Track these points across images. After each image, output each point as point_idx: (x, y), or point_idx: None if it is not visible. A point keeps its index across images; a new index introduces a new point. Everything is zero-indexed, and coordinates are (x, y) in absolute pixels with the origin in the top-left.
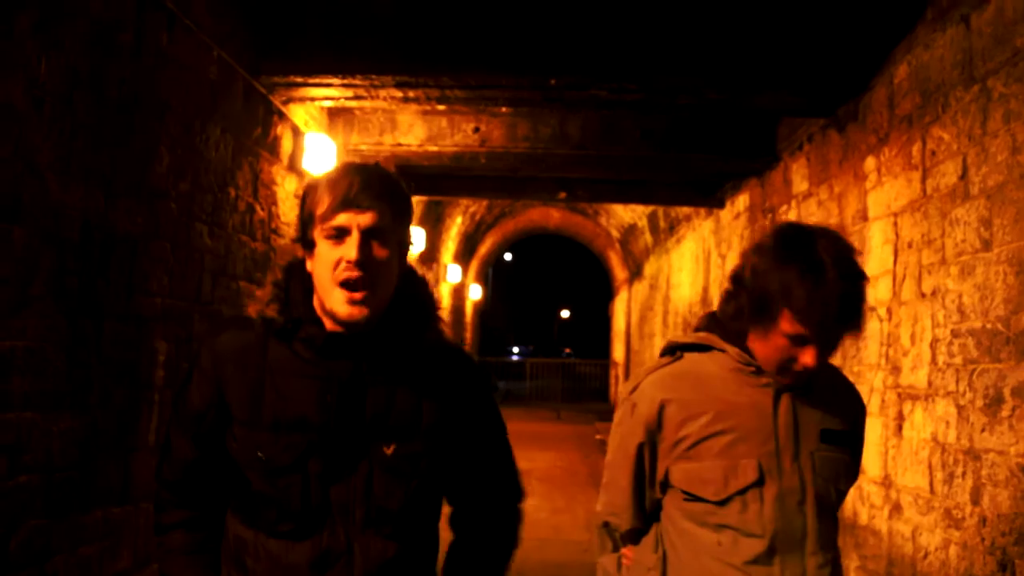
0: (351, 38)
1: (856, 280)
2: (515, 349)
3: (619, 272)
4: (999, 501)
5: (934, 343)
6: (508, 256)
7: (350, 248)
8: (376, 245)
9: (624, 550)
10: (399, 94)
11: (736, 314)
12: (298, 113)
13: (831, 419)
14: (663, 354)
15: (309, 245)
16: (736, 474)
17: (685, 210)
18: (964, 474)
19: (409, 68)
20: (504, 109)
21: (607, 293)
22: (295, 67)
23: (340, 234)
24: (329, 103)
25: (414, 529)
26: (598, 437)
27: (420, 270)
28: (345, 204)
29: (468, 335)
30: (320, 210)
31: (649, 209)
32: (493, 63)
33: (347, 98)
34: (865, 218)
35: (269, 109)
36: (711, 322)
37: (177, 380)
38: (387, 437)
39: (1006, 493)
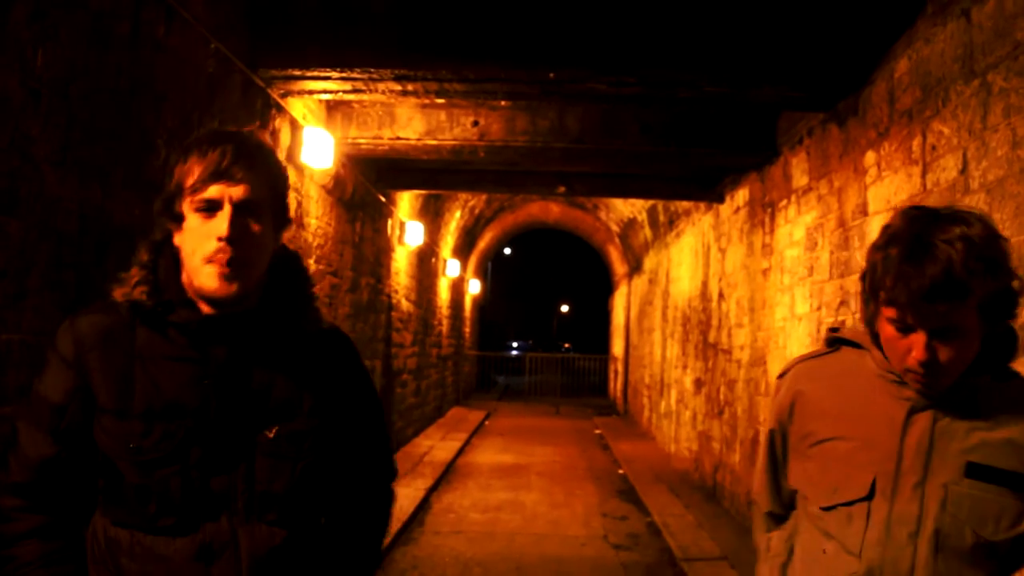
0: (349, 31)
1: (957, 245)
2: (514, 344)
3: (618, 267)
4: None
5: None
6: (507, 250)
7: (221, 223)
8: (250, 220)
9: (774, 533)
10: (397, 87)
11: (864, 304)
12: (296, 106)
13: (989, 452)
14: (825, 343)
15: (177, 218)
16: (848, 484)
17: (684, 204)
18: None
19: (407, 61)
20: (503, 103)
21: (606, 288)
22: (293, 60)
23: (211, 207)
24: (327, 96)
25: (301, 513)
26: (597, 432)
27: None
28: (216, 175)
29: (467, 330)
30: (189, 180)
31: (648, 203)
32: (492, 56)
33: (345, 91)
34: (865, 213)
35: (267, 102)
36: (868, 321)
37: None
38: (268, 421)
39: None
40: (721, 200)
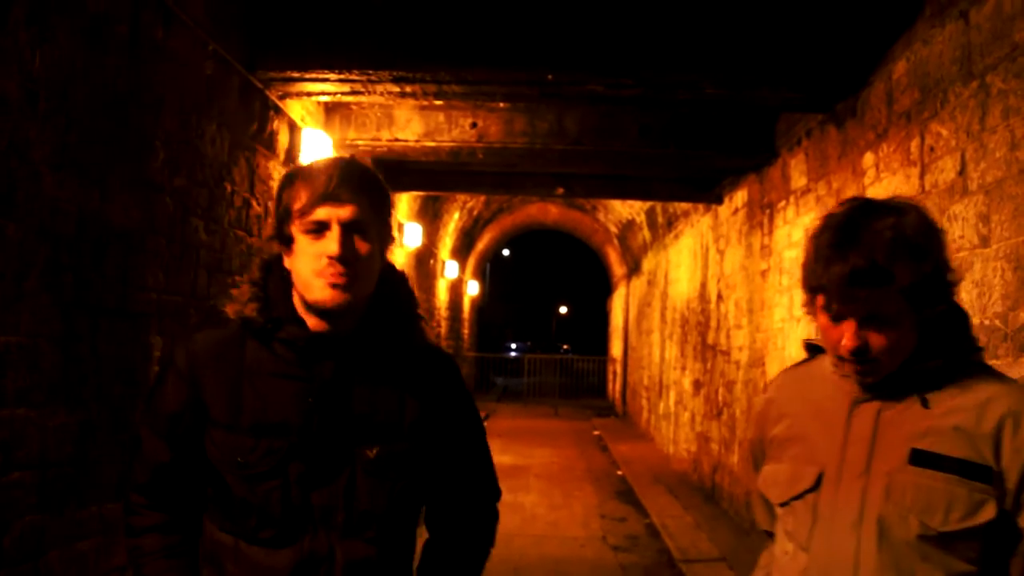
0: (348, 33)
1: (885, 233)
2: (513, 345)
3: (617, 268)
4: None
5: None
6: (506, 252)
7: (331, 243)
8: (357, 239)
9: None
10: (396, 89)
11: (806, 298)
12: (295, 108)
13: (935, 440)
14: (806, 350)
15: (287, 240)
16: (798, 478)
17: (683, 206)
18: None
19: (406, 63)
20: (501, 104)
21: (605, 289)
22: (291, 62)
23: (320, 228)
24: (326, 98)
25: (396, 532)
26: (595, 433)
27: (406, 269)
28: (324, 198)
29: (465, 331)
30: (298, 204)
31: (647, 205)
32: (490, 58)
33: (344, 93)
34: None
35: (265, 104)
36: None
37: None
38: (370, 439)
39: None
40: (720, 201)
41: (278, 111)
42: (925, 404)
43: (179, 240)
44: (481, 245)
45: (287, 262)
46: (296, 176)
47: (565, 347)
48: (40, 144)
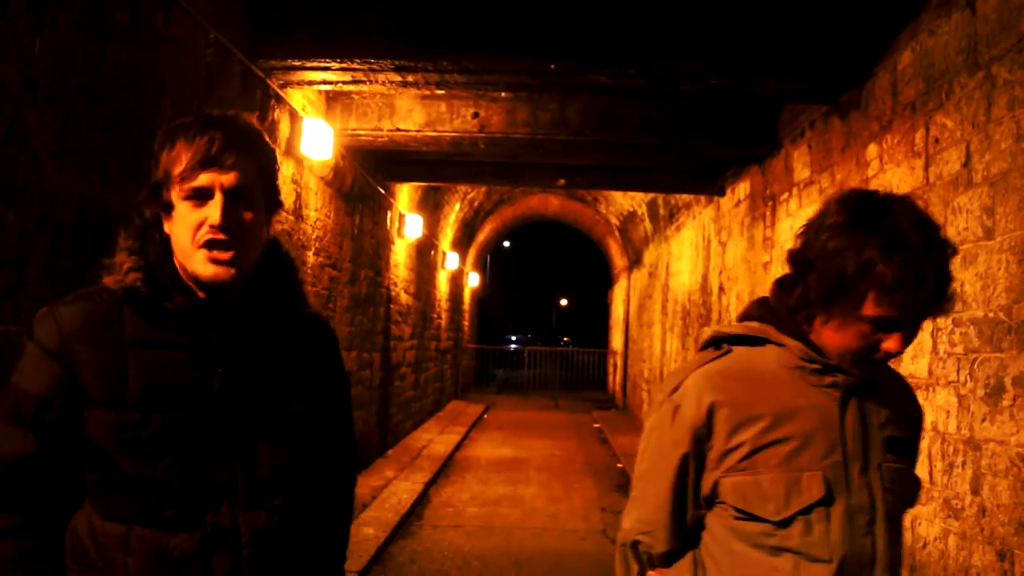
0: (349, 22)
1: (942, 249)
2: (513, 337)
3: (618, 260)
4: (999, 491)
5: (935, 332)
6: (506, 243)
7: (213, 210)
8: (242, 207)
9: (651, 573)
10: (397, 78)
11: (801, 301)
12: (296, 97)
13: (894, 426)
14: (705, 347)
15: (166, 207)
16: (799, 490)
17: (685, 198)
18: (964, 464)
19: (408, 52)
20: (503, 94)
21: (606, 281)
22: (293, 51)
23: (202, 195)
24: (327, 87)
25: (298, 497)
26: (596, 426)
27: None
28: (206, 162)
29: (466, 323)
30: (178, 168)
31: (649, 196)
32: (493, 48)
33: (345, 82)
34: None
35: (266, 93)
36: (764, 311)
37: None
38: (267, 404)
39: (1006, 483)
40: (722, 193)
41: (279, 100)
42: (883, 393)
43: None
44: (482, 236)
45: (166, 226)
46: (177, 135)
47: (565, 339)
48: (40, 132)
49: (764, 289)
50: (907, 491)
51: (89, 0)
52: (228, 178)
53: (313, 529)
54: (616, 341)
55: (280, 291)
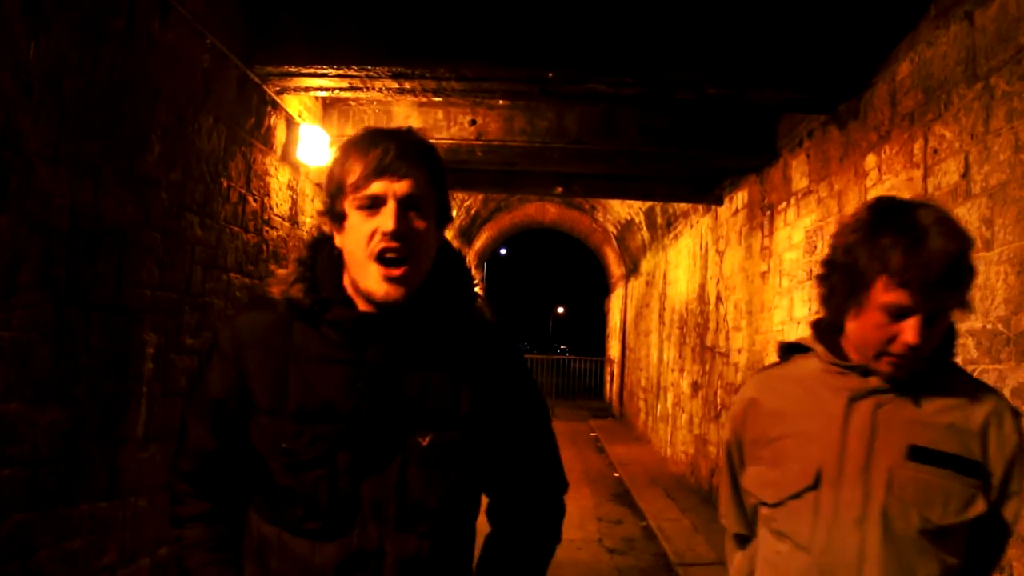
0: (347, 28)
1: (960, 239)
2: None
3: (615, 268)
4: None
5: None
6: (503, 251)
7: (386, 219)
8: (413, 215)
9: (738, 553)
10: (395, 85)
11: (829, 296)
12: (292, 103)
13: (931, 436)
14: (778, 356)
15: (338, 218)
16: (794, 476)
17: (683, 207)
18: None
19: (405, 59)
20: (501, 102)
21: (603, 290)
22: (289, 57)
23: (374, 204)
24: (324, 94)
25: (451, 526)
26: (592, 434)
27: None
28: (379, 171)
29: None
30: (352, 179)
31: (646, 205)
32: (490, 55)
33: (342, 89)
34: None
35: (263, 99)
36: (815, 324)
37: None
38: (423, 427)
39: None
40: (720, 202)
41: (275, 106)
42: (917, 403)
43: (174, 235)
44: (479, 244)
45: (338, 240)
46: (351, 149)
47: (562, 348)
48: (34, 136)
49: (761, 298)
50: (935, 505)
51: (85, 5)
52: (401, 187)
53: (503, 557)
54: (613, 350)
55: (448, 304)
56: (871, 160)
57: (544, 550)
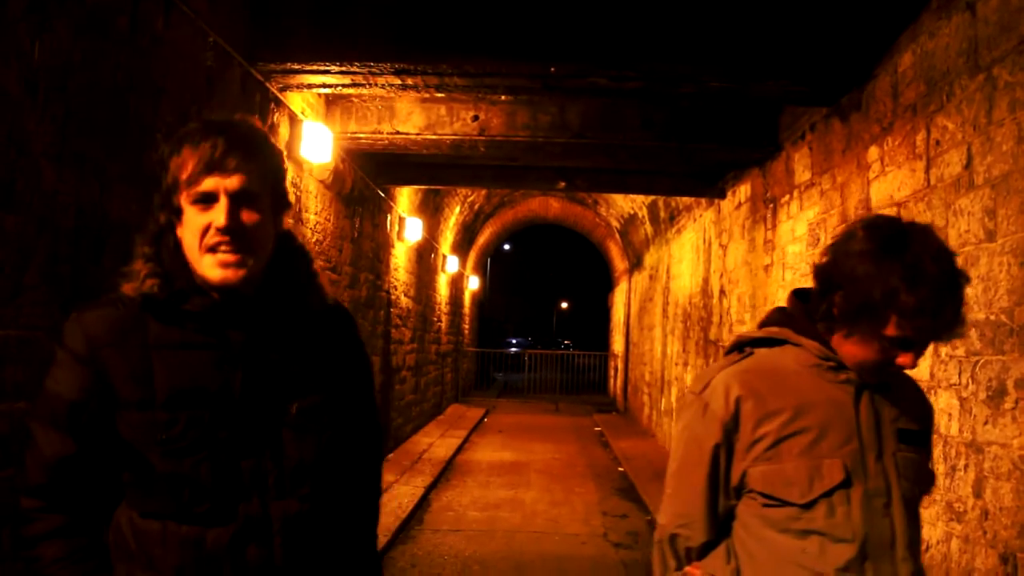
0: (349, 25)
1: (962, 282)
2: (513, 341)
3: (619, 263)
4: (1001, 494)
5: None
6: (507, 246)
7: (218, 214)
8: (246, 210)
9: (690, 568)
10: (397, 81)
11: (826, 315)
12: (295, 100)
13: (906, 418)
14: (729, 351)
15: (176, 212)
16: (821, 475)
17: (686, 200)
18: (966, 467)
19: (407, 55)
20: (503, 97)
21: (606, 284)
22: (292, 54)
23: (207, 199)
24: (326, 90)
25: (330, 486)
26: (596, 429)
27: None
28: (210, 167)
29: (466, 326)
30: (184, 174)
31: (649, 199)
32: (492, 51)
33: (344, 85)
34: (868, 208)
35: (266, 96)
36: (782, 317)
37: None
38: (288, 397)
39: (1008, 486)
40: (723, 196)
41: (279, 103)
42: (894, 388)
43: None
44: (482, 239)
45: (179, 231)
46: (183, 141)
47: (566, 343)
48: (39, 136)
49: (765, 292)
50: (921, 479)
51: (89, 4)
52: (231, 182)
53: (343, 513)
54: (617, 344)
55: (295, 284)
56: (874, 152)
57: (375, 507)
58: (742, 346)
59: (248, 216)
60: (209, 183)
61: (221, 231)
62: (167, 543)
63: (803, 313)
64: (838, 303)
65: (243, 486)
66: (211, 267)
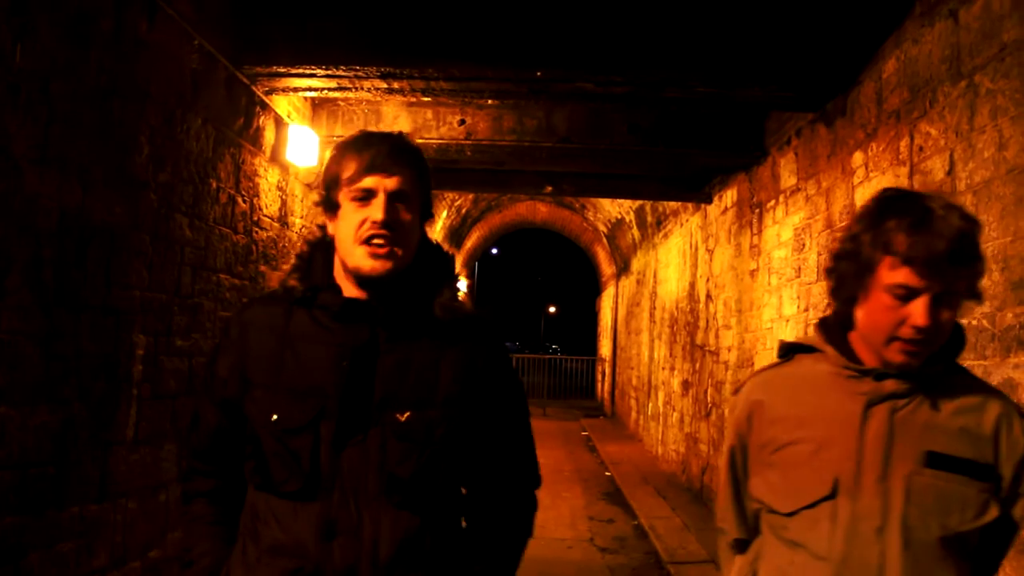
0: (335, 28)
1: (966, 219)
2: None
3: (606, 267)
4: None
5: None
6: (494, 250)
7: (376, 209)
8: (401, 208)
9: (737, 558)
10: (383, 85)
11: (837, 287)
12: (281, 104)
13: (946, 442)
14: (779, 355)
15: (333, 207)
16: (809, 486)
17: (672, 205)
18: None
19: (394, 59)
20: (490, 101)
21: (594, 289)
22: (278, 57)
23: (367, 196)
24: (312, 94)
25: (429, 502)
26: (584, 434)
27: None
28: (372, 168)
29: None
30: (347, 173)
31: (636, 204)
32: (479, 55)
33: (331, 89)
34: (853, 213)
35: (252, 99)
36: (821, 323)
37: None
38: (401, 404)
39: None
40: (709, 200)
41: (264, 107)
42: (930, 406)
43: (163, 237)
44: (469, 244)
45: (331, 227)
46: (348, 147)
47: (554, 347)
48: (21, 138)
49: (751, 296)
50: (953, 512)
51: (72, 7)
52: (391, 182)
53: (475, 546)
54: (604, 349)
55: (429, 290)
56: (858, 158)
57: (516, 543)
58: (787, 351)
59: (401, 214)
60: (370, 181)
61: (378, 224)
62: (266, 517)
63: (837, 318)
64: (843, 269)
65: (340, 479)
66: (363, 257)
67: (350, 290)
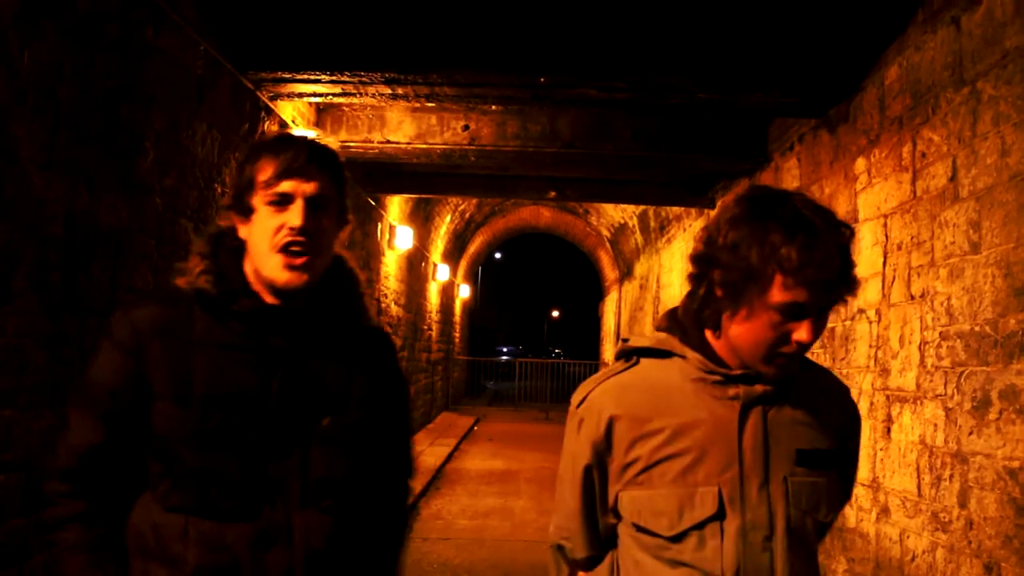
0: (340, 34)
1: (846, 230)
2: (504, 349)
3: (609, 272)
4: (986, 504)
5: (923, 345)
6: (498, 255)
7: (294, 215)
8: (319, 214)
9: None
10: (388, 91)
11: (707, 299)
12: (286, 109)
13: (811, 437)
14: (617, 358)
15: (246, 211)
16: (692, 505)
17: (675, 210)
18: (951, 477)
19: (398, 65)
20: (494, 107)
21: (597, 293)
22: (282, 62)
23: (283, 201)
24: (317, 99)
25: (354, 503)
26: None
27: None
28: (290, 172)
29: (457, 335)
30: (263, 176)
31: (639, 209)
32: (483, 61)
33: (335, 94)
34: (855, 219)
35: (256, 105)
36: (671, 322)
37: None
38: (322, 411)
39: (992, 496)
40: (712, 206)
41: (269, 112)
42: (794, 404)
43: (168, 241)
44: (473, 248)
45: (242, 231)
46: (263, 149)
47: (557, 351)
48: (28, 143)
49: None
50: (821, 506)
51: (79, 13)
52: (309, 187)
53: (367, 536)
54: (608, 353)
55: (342, 302)
56: (861, 164)
57: (402, 524)
58: (629, 354)
59: (319, 222)
60: (288, 185)
61: (295, 231)
62: (188, 539)
63: (693, 318)
64: (718, 280)
65: (269, 490)
66: (278, 268)
67: (265, 296)
